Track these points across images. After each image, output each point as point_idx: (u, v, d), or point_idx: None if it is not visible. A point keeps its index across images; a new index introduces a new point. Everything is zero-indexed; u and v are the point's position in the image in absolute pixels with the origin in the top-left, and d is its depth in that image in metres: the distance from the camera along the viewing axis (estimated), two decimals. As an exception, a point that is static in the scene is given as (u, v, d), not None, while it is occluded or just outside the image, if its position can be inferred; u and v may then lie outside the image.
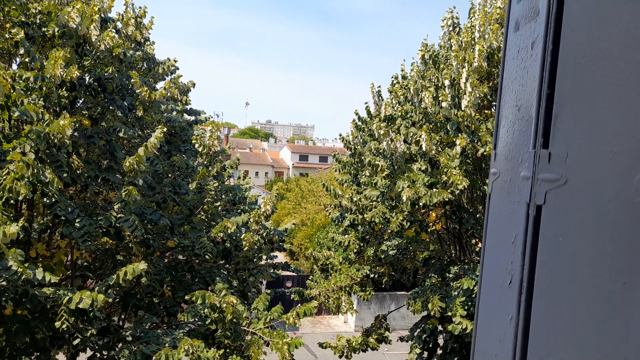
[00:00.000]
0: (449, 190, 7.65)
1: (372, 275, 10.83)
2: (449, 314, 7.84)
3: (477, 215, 9.07)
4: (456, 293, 7.86)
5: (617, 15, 0.78)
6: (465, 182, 7.35)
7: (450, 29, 10.00)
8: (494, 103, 8.86)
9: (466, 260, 9.57)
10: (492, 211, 1.34)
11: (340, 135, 12.07)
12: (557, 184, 0.89)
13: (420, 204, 7.77)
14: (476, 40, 8.37)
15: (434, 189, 7.81)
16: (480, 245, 9.03)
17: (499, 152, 1.34)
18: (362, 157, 10.15)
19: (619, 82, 0.76)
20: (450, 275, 8.74)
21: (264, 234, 9.24)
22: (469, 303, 7.72)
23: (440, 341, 9.97)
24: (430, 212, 8.53)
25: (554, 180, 0.90)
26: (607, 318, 0.72)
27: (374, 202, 9.50)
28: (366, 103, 12.20)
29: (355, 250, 10.68)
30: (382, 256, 10.04)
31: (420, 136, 8.16)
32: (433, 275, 9.17)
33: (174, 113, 9.25)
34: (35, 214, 7.48)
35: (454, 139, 7.92)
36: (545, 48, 0.99)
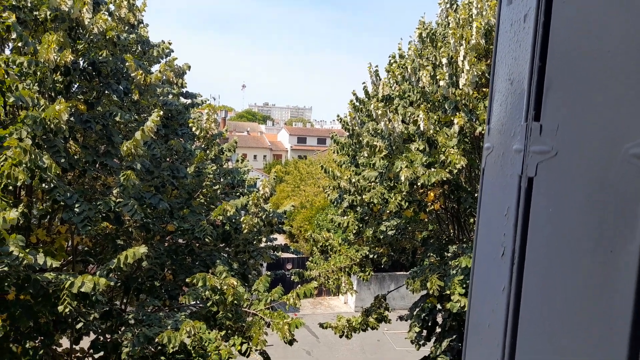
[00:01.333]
0: (447, 170, 7.66)
1: (371, 256, 10.92)
2: (448, 292, 7.93)
3: (475, 194, 9.10)
4: (454, 272, 7.94)
5: None
6: (463, 161, 7.36)
7: (448, 6, 9.88)
8: (492, 81, 8.80)
9: (464, 240, 9.64)
10: (485, 185, 1.35)
11: (338, 116, 12.02)
12: (548, 156, 0.90)
13: (419, 183, 7.79)
14: (474, 17, 8.28)
15: (432, 169, 7.83)
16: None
17: (492, 127, 1.34)
18: (360, 138, 10.13)
19: (608, 53, 0.77)
20: (449, 254, 8.81)
21: (263, 217, 9.29)
22: (467, 281, 7.81)
23: (439, 319, 10.12)
24: (429, 192, 8.56)
25: (545, 153, 0.91)
26: (596, 285, 0.73)
27: (373, 183, 9.52)
28: (364, 83, 12.12)
29: (354, 232, 10.75)
30: (381, 237, 10.11)
31: (418, 116, 8.13)
32: (432, 254, 9.25)
33: (170, 96, 9.19)
34: (34, 199, 7.49)
35: (452, 118, 7.90)
36: (537, 20, 0.99)
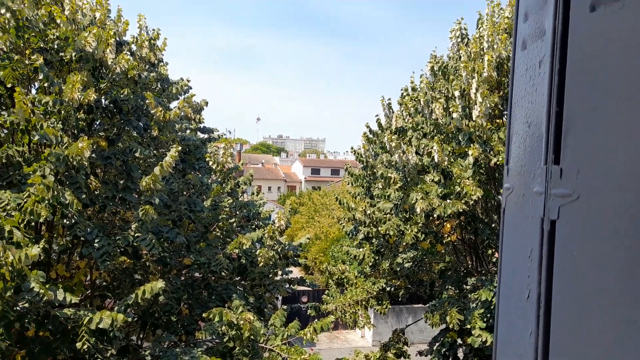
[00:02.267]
0: (463, 201, 7.62)
1: (388, 289, 10.76)
2: (468, 326, 7.74)
3: (493, 225, 8.99)
4: (474, 305, 7.76)
5: (621, 34, 0.80)
6: (479, 192, 7.32)
7: (459, 40, 10.05)
8: (505, 112, 8.84)
9: (483, 271, 9.47)
10: (506, 226, 1.36)
11: (352, 148, 12.12)
12: (569, 199, 0.91)
13: (435, 215, 7.75)
14: (485, 50, 8.39)
15: (448, 200, 7.79)
16: (497, 255, 8.94)
17: (511, 167, 1.37)
18: (375, 170, 10.17)
19: (625, 98, 0.79)
20: (468, 287, 8.64)
21: (279, 249, 9.27)
22: (488, 315, 7.63)
23: (460, 354, 9.82)
24: (445, 224, 8.49)
25: (566, 196, 0.92)
26: (625, 329, 0.73)
27: (388, 215, 9.49)
28: (377, 116, 12.25)
29: (370, 264, 10.64)
30: (398, 269, 9.99)
31: (432, 147, 8.16)
32: (450, 287, 9.08)
33: (188, 132, 9.39)
34: (55, 235, 7.62)
35: (466, 149, 7.91)
36: (552, 67, 1.03)
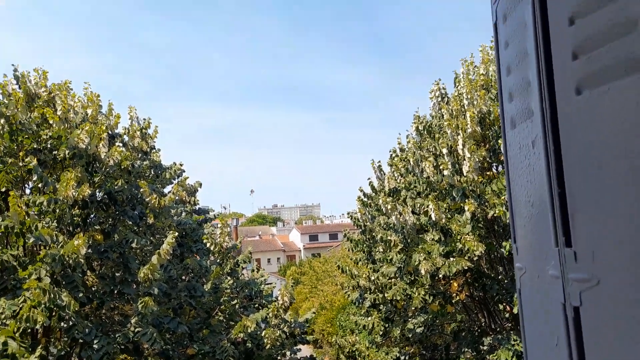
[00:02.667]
0: (466, 257, 7.51)
1: (402, 357, 10.29)
2: (491, 390, 7.33)
3: (499, 277, 8.81)
4: (494, 366, 7.41)
5: (610, 116, 0.82)
6: (481, 247, 7.24)
7: (439, 99, 10.40)
8: (494, 164, 8.97)
9: (497, 329, 9.14)
10: (525, 308, 1.32)
11: (348, 213, 12.12)
12: (589, 284, 0.88)
13: (440, 275, 7.60)
14: (466, 107, 8.67)
15: (451, 258, 7.68)
16: (509, 310, 8.67)
17: (520, 247, 1.34)
18: (374, 234, 10.10)
19: (628, 179, 0.78)
20: (485, 348, 8.30)
21: (285, 328, 8.94)
22: (510, 376, 7.26)
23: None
24: (452, 282, 8.31)
25: (585, 281, 0.89)
26: None
27: (393, 279, 9.29)
28: (369, 179, 12.38)
29: (380, 333, 10.26)
30: (410, 335, 9.62)
31: (428, 206, 8.17)
32: (466, 349, 8.71)
33: (184, 215, 9.36)
34: (52, 339, 7.31)
35: (462, 205, 7.92)
36: (547, 148, 1.03)
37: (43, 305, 5.43)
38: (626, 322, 0.80)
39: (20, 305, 5.50)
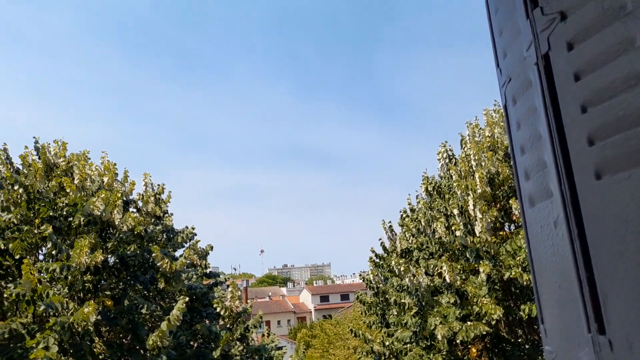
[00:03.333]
0: (483, 321, 7.27)
1: None
2: None
3: (519, 341, 8.46)
4: None
5: (634, 200, 0.83)
6: (499, 310, 7.03)
7: (447, 160, 10.53)
8: (506, 223, 8.89)
9: (522, 398, 8.64)
10: (561, 400, 1.27)
11: (360, 275, 11.93)
12: None
13: (458, 340, 7.32)
14: (474, 168, 8.75)
15: (468, 322, 7.43)
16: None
17: (549, 329, 1.31)
18: (387, 296, 9.86)
19: None
20: (510, 418, 7.81)
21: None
22: None
23: None
24: (470, 348, 7.98)
25: None
26: None
27: (408, 345, 8.95)
28: (380, 239, 12.28)
29: (398, 402, 9.72)
30: (428, 405, 9.10)
31: (441, 267, 8.03)
32: (490, 420, 8.20)
33: (194, 278, 9.27)
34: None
35: (476, 266, 7.78)
36: (570, 231, 1.04)
37: (50, 377, 5.28)
38: None
39: (27, 377, 5.35)
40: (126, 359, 7.10)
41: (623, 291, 0.91)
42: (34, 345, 5.78)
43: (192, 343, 8.84)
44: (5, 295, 6.86)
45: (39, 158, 7.55)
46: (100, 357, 7.01)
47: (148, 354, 7.16)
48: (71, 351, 6.16)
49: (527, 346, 8.10)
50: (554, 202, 1.15)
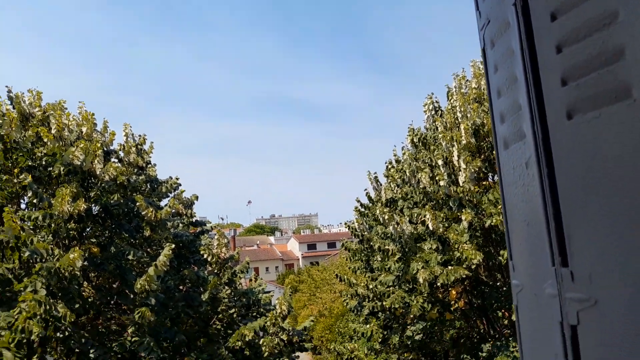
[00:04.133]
0: (464, 266, 7.52)
1: (401, 365, 10.25)
2: (491, 398, 7.31)
3: (497, 284, 8.82)
4: (494, 374, 7.39)
5: (602, 141, 0.84)
6: (479, 256, 7.26)
7: (433, 112, 10.47)
8: (490, 174, 9.01)
9: (496, 336, 9.13)
10: (523, 325, 1.32)
11: (346, 223, 12.12)
12: (587, 304, 0.89)
13: (438, 283, 7.60)
14: (460, 119, 8.74)
15: (449, 267, 7.68)
16: (507, 317, 8.67)
17: (516, 264, 1.35)
18: (372, 243, 10.09)
19: (621, 201, 0.80)
20: (483, 354, 8.28)
21: (283, 336, 8.90)
22: (510, 384, 7.24)
23: None
24: (450, 290, 8.31)
25: (582, 300, 0.89)
26: None
27: (391, 288, 9.28)
28: (366, 189, 12.42)
29: (379, 340, 10.22)
30: (408, 342, 9.59)
31: (425, 216, 8.20)
32: (465, 356, 8.69)
33: (180, 227, 9.33)
34: (48, 349, 7.24)
35: (459, 214, 7.95)
36: (541, 170, 1.05)
37: (38, 317, 5.40)
38: (623, 341, 0.81)
39: (16, 317, 5.46)
40: (116, 301, 7.26)
41: (587, 227, 0.93)
42: (21, 288, 5.85)
43: (180, 288, 9.03)
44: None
45: (13, 108, 7.31)
46: (90, 300, 7.16)
47: (137, 298, 7.33)
48: (60, 294, 6.27)
49: (504, 288, 8.46)
50: (527, 144, 1.15)
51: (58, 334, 6.33)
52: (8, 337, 5.48)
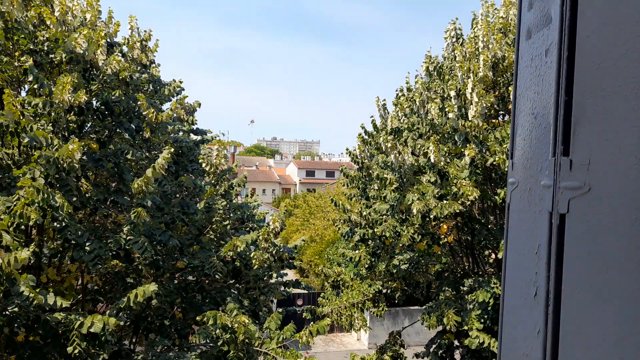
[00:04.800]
0: (459, 202, 7.58)
1: (384, 291, 10.70)
2: (465, 328, 7.69)
3: (489, 226, 8.97)
4: (471, 306, 7.72)
5: (633, 17, 0.77)
6: (476, 192, 7.28)
7: (454, 40, 10.03)
8: (501, 112, 8.83)
9: (480, 273, 9.44)
10: (512, 222, 1.30)
11: (347, 149, 12.07)
12: (580, 191, 0.87)
13: (431, 216, 7.70)
14: (480, 50, 8.38)
15: (445, 201, 7.75)
16: (493, 256, 8.91)
17: (516, 162, 1.31)
18: (370, 171, 10.13)
19: (638, 86, 0.75)
20: (465, 288, 8.60)
21: (274, 252, 9.19)
22: (485, 316, 7.59)
23: (457, 356, 9.78)
24: (442, 224, 8.45)
25: (576, 188, 0.87)
26: (637, 327, 0.70)
27: (384, 216, 9.44)
28: (372, 117, 12.21)
29: (366, 266, 10.59)
30: (394, 271, 9.94)
31: (428, 148, 8.13)
32: (447, 288, 9.04)
33: (181, 133, 9.30)
34: (45, 238, 7.50)
35: (462, 150, 7.88)
36: (561, 55, 0.98)
37: (36, 204, 5.51)
38: (610, 230, 0.80)
39: (14, 203, 5.57)
40: (112, 199, 7.40)
41: (596, 114, 0.88)
42: (20, 175, 5.92)
43: (177, 195, 9.18)
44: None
45: (15, -17, 6.95)
46: (87, 195, 7.28)
47: (134, 199, 7.46)
48: (57, 185, 6.36)
49: (495, 229, 8.60)
50: (551, 29, 1.07)
51: (55, 224, 6.50)
52: (7, 221, 5.63)
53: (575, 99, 0.94)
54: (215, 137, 10.48)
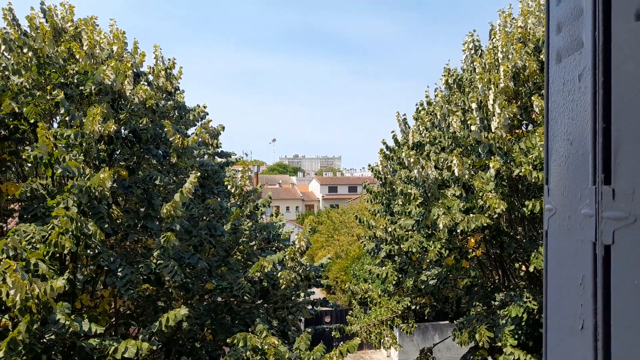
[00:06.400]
0: (486, 215, 7.45)
1: (413, 307, 10.53)
2: (499, 344, 7.48)
3: (518, 237, 8.76)
4: (504, 322, 7.52)
5: None
6: (502, 205, 7.15)
7: (472, 52, 9.98)
8: (525, 122, 8.69)
9: (511, 286, 9.20)
10: (551, 249, 1.28)
11: (369, 165, 12.05)
12: (625, 222, 0.85)
13: (458, 230, 7.58)
14: (500, 60, 8.31)
15: (471, 214, 7.63)
16: (524, 269, 8.68)
17: (552, 188, 1.29)
18: (394, 187, 10.07)
19: None
20: (496, 303, 8.39)
21: (300, 271, 9.17)
22: (519, 332, 7.37)
23: (492, 373, 9.49)
24: (469, 238, 8.30)
25: (621, 219, 0.86)
26: None
27: (410, 232, 9.34)
28: (393, 131, 12.20)
29: (394, 282, 10.46)
30: (422, 286, 9.78)
31: (451, 161, 8.05)
32: (477, 303, 8.83)
33: (206, 157, 9.46)
34: (79, 265, 7.68)
35: (487, 162, 7.77)
36: (596, 81, 0.97)
37: (70, 233, 5.66)
38: None
39: (49, 232, 5.75)
40: (142, 224, 7.54)
41: (637, 139, 0.86)
42: (54, 204, 6.11)
43: (204, 217, 9.31)
44: (24, 157, 7.12)
45: (46, 21, 7.29)
46: (118, 221, 7.45)
47: (163, 223, 7.59)
48: (90, 213, 6.53)
49: (524, 241, 8.40)
50: (584, 54, 1.06)
51: (88, 251, 6.66)
52: (43, 250, 5.81)
53: (614, 127, 0.93)
54: (240, 158, 10.63)
